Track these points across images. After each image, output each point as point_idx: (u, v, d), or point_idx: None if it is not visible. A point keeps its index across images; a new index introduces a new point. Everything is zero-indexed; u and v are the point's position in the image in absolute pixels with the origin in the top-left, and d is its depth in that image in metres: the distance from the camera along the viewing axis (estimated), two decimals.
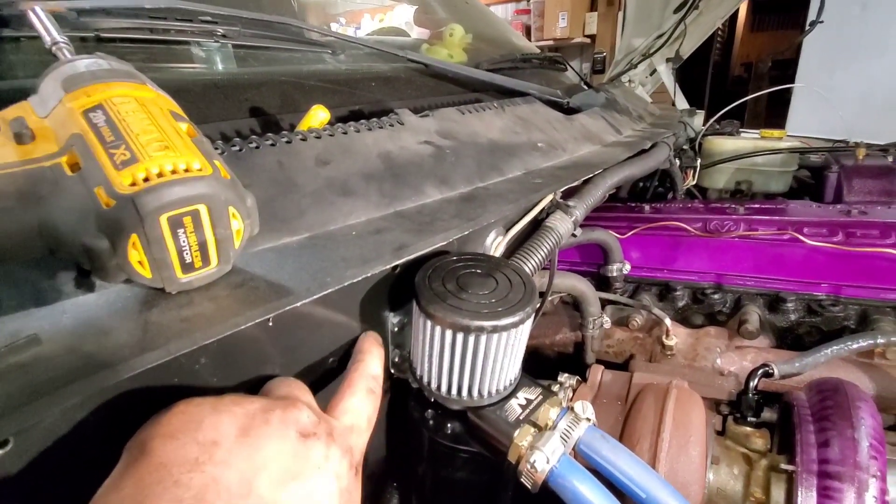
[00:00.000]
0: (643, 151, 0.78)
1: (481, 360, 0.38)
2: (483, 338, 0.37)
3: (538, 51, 1.48)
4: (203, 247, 0.30)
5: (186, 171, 0.28)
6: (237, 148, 0.42)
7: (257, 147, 0.43)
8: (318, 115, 0.51)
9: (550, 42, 3.73)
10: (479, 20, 1.45)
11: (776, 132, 1.28)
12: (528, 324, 0.41)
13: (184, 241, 0.29)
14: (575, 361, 0.85)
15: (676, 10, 1.63)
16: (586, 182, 0.64)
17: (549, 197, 0.59)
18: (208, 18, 0.61)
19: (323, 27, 1.36)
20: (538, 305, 0.67)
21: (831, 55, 2.39)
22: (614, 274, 0.91)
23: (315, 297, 0.32)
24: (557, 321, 0.87)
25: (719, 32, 4.70)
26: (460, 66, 0.79)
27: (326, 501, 0.26)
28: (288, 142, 0.45)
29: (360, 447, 0.32)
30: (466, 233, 0.41)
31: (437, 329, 0.38)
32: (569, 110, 0.90)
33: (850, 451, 0.45)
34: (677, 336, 0.80)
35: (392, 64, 0.78)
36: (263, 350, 0.33)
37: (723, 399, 0.67)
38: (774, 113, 2.65)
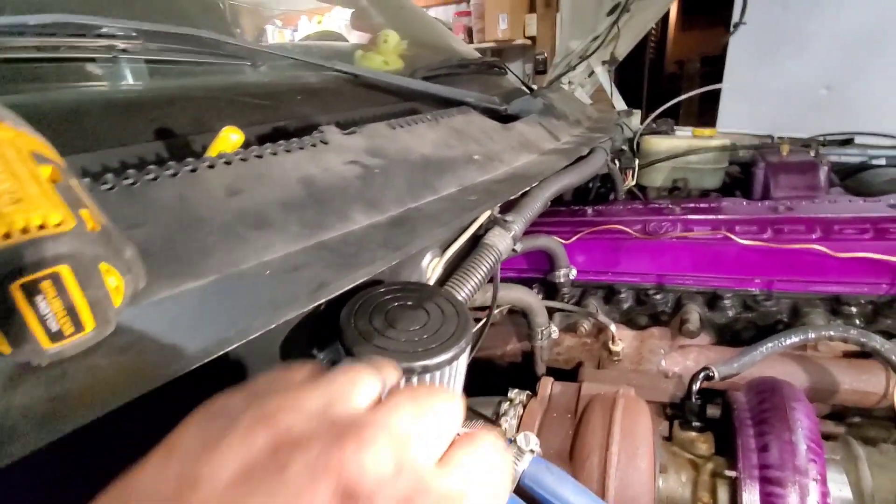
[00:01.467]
0: (581, 158, 0.78)
1: None
2: (414, 379, 0.34)
3: (478, 55, 1.47)
4: (72, 311, 0.25)
5: (42, 227, 0.24)
6: (131, 181, 0.37)
7: (155, 179, 0.39)
8: (229, 138, 0.47)
9: (492, 44, 3.76)
10: (416, 25, 1.42)
11: (707, 131, 1.33)
12: (464, 358, 0.38)
13: (45, 309, 0.24)
14: (526, 371, 0.85)
15: (609, 13, 1.67)
16: (524, 195, 0.63)
17: (487, 213, 0.57)
18: (105, 32, 0.55)
19: (241, 37, 1.30)
20: (484, 322, 0.65)
21: (755, 53, 2.52)
22: (561, 280, 0.91)
23: (213, 356, 0.28)
24: (506, 332, 0.86)
25: (653, 32, 4.90)
26: (393, 76, 0.76)
27: None
28: (192, 170, 0.41)
29: None
30: (393, 263, 0.38)
31: None
32: (507, 117, 0.89)
33: (788, 456, 0.45)
34: (623, 339, 0.81)
35: (321, 74, 0.74)
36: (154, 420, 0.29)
37: (668, 402, 0.68)
38: (707, 109, 2.78)
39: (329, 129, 0.54)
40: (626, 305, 0.89)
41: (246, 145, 0.48)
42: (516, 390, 0.67)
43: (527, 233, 0.93)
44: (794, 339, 0.63)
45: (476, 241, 0.58)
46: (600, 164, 0.80)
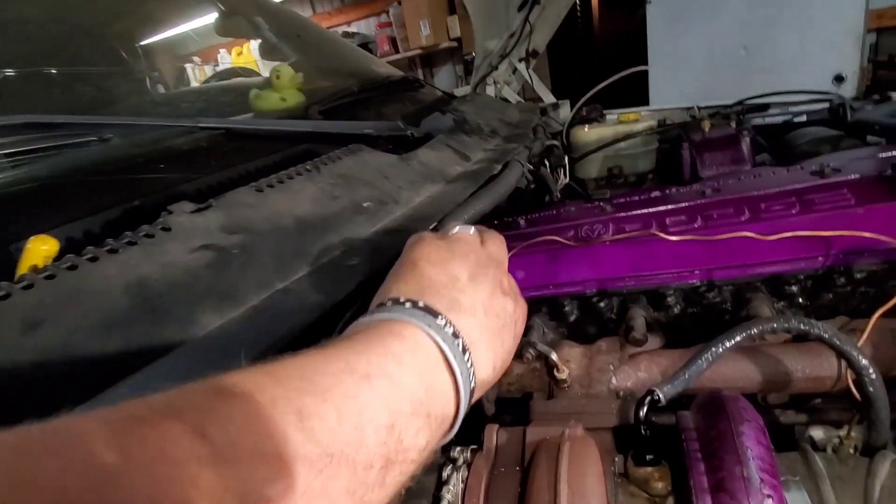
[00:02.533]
0: (493, 177, 0.72)
1: None
2: None
3: (394, 72, 1.41)
4: None
5: None
6: None
7: None
8: (39, 250, 0.39)
9: (419, 51, 3.72)
10: (319, 50, 1.35)
11: (631, 115, 1.31)
12: None
13: None
14: (477, 408, 0.78)
15: (520, 9, 1.64)
16: None
17: None
18: None
19: (154, 85, 1.19)
20: None
21: (674, 24, 2.56)
22: None
23: None
24: None
25: (578, 15, 4.96)
26: (271, 122, 0.69)
27: (510, 339, 0.43)
28: None
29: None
30: None
31: None
32: (415, 142, 0.83)
33: (742, 496, 0.41)
34: (571, 358, 0.76)
35: (190, 134, 0.66)
36: None
37: (620, 424, 0.63)
38: (640, 86, 2.81)
39: (178, 209, 0.46)
40: (571, 318, 0.85)
41: (79, 248, 0.40)
42: (458, 448, 0.61)
43: None
44: (737, 338, 0.59)
45: None
46: (515, 179, 0.75)
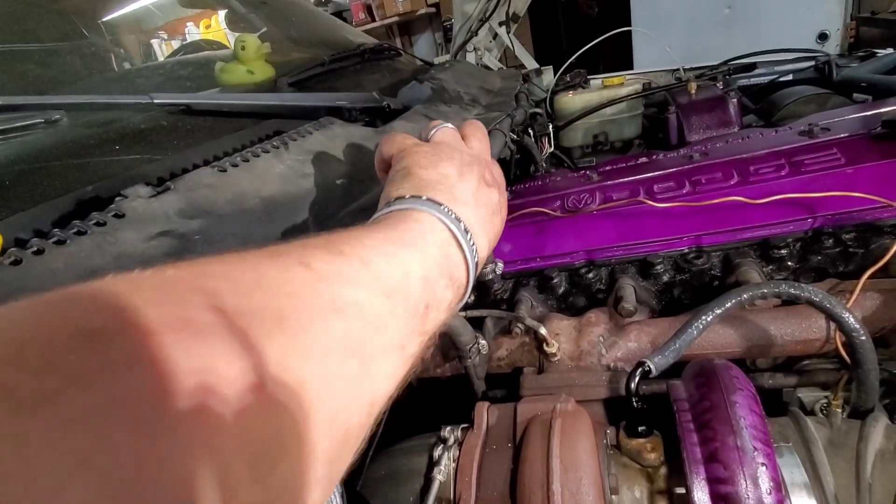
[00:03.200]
0: None
1: None
2: None
3: (369, 40, 1.35)
4: None
5: None
6: None
7: None
8: None
9: (395, 18, 3.58)
10: (288, 19, 1.28)
11: (616, 79, 1.27)
12: None
13: None
14: (467, 387, 0.77)
15: None
16: None
17: None
18: None
19: (123, 60, 1.12)
20: None
21: None
22: (490, 276, 0.83)
23: None
24: (441, 352, 0.78)
25: None
26: (235, 96, 0.65)
27: (499, 223, 0.48)
28: None
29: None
30: None
31: None
32: (391, 113, 0.79)
33: (736, 466, 0.40)
34: (560, 331, 0.74)
35: (148, 112, 0.62)
36: None
37: (612, 396, 0.62)
38: (624, 51, 2.74)
39: (133, 193, 0.43)
40: (560, 290, 0.83)
41: (27, 240, 0.37)
42: (449, 428, 0.60)
43: None
44: (727, 306, 0.58)
45: None
46: (497, 150, 0.72)
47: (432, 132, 0.48)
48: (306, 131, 0.58)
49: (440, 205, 0.39)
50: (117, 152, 0.56)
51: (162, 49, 1.82)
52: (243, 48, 0.94)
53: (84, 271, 0.35)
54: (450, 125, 0.49)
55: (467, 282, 0.41)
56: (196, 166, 0.50)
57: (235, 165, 0.48)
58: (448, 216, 0.38)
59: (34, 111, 0.55)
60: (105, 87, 0.80)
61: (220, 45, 1.53)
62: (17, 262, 0.34)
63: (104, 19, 1.17)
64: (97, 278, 0.35)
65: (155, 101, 0.57)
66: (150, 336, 0.17)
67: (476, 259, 0.41)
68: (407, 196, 0.39)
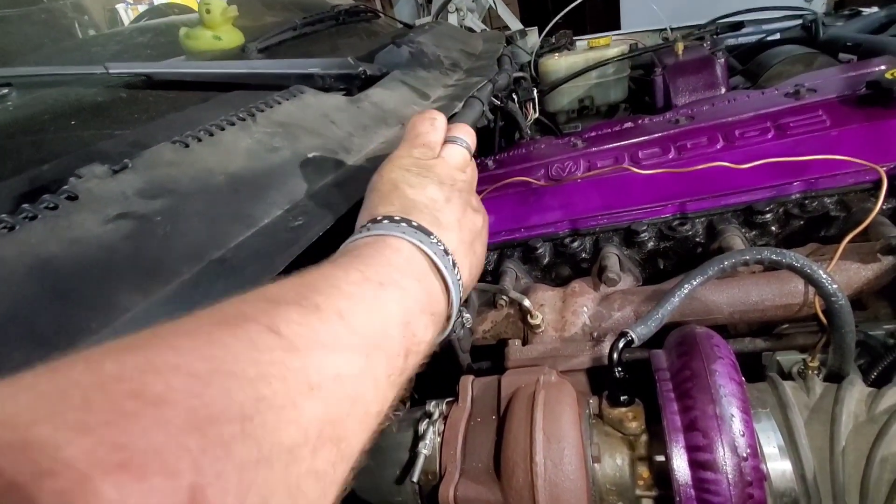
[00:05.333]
0: (453, 116, 0.66)
1: None
2: None
3: (346, 1, 1.28)
4: None
5: None
6: None
7: None
8: None
9: None
10: None
11: (602, 40, 1.23)
12: None
13: None
14: (453, 360, 0.77)
15: None
16: None
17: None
18: None
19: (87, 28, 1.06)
20: None
21: None
22: None
23: None
24: None
25: None
26: (197, 64, 0.61)
27: (481, 248, 0.48)
28: None
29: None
30: None
31: None
32: (368, 80, 0.76)
33: (715, 433, 0.40)
34: (545, 302, 0.74)
35: (106, 83, 0.58)
36: None
37: (595, 366, 0.63)
38: (611, 11, 2.66)
39: (88, 172, 0.40)
40: (545, 261, 0.83)
41: None
42: (434, 402, 0.60)
43: None
44: (710, 273, 0.58)
45: None
46: (475, 117, 0.69)
47: (447, 148, 0.47)
48: (274, 101, 0.55)
49: (430, 234, 0.38)
50: (73, 128, 0.53)
51: (128, 14, 1.72)
52: (208, 11, 0.88)
53: (36, 260, 0.33)
54: (466, 143, 0.49)
55: (449, 314, 0.40)
56: (158, 142, 0.47)
57: (199, 140, 0.46)
58: (435, 247, 0.37)
59: None
60: (59, 58, 0.75)
61: (189, 10, 1.44)
62: None
63: None
64: (51, 267, 0.33)
65: (110, 70, 0.53)
66: (78, 484, 0.14)
67: (460, 290, 0.40)
68: (395, 218, 0.38)
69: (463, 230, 0.42)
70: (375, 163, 0.53)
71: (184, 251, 0.37)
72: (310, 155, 0.49)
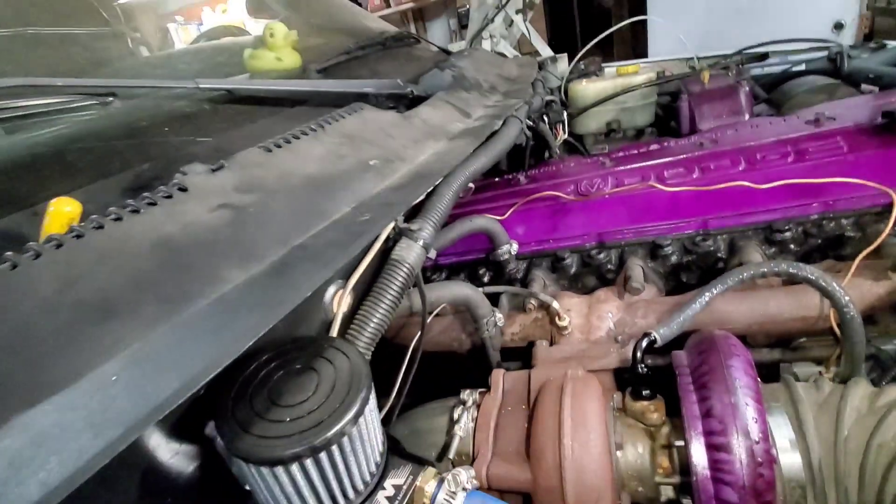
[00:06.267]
0: (494, 133, 0.73)
1: (319, 480, 0.32)
2: (308, 462, 0.31)
3: (388, 27, 1.38)
4: None
5: None
6: None
7: None
8: (62, 211, 0.41)
9: (410, 4, 3.58)
10: (311, 7, 1.31)
11: (630, 67, 1.29)
12: (370, 410, 0.35)
13: None
14: (483, 358, 0.83)
15: None
16: (431, 194, 0.58)
17: (391, 225, 0.52)
18: None
19: (134, 49, 1.17)
20: (427, 315, 0.61)
21: None
22: (505, 257, 0.88)
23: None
24: (458, 324, 0.83)
25: None
26: (270, 82, 0.69)
27: None
28: (12, 267, 0.35)
29: None
30: (264, 331, 0.34)
31: (252, 467, 0.31)
32: (415, 100, 0.83)
33: (730, 419, 0.45)
34: (572, 307, 0.79)
35: (191, 96, 0.66)
36: None
37: (620, 367, 0.67)
38: (638, 37, 2.73)
39: (192, 170, 0.47)
40: (572, 271, 0.88)
41: (99, 209, 0.42)
42: (468, 391, 0.65)
43: (461, 214, 0.89)
44: (730, 282, 0.63)
45: (386, 256, 0.53)
46: (514, 136, 0.76)
47: None
48: (340, 115, 0.62)
49: None
50: (166, 134, 0.61)
51: (179, 34, 1.86)
52: (272, 35, 0.98)
53: (158, 237, 0.40)
54: None
55: None
56: (239, 147, 0.55)
57: (279, 146, 0.53)
58: None
59: (88, 94, 0.60)
60: (144, 72, 0.84)
61: (242, 31, 1.56)
62: (99, 227, 0.39)
63: (120, 1, 1.20)
64: (170, 244, 0.40)
65: (200, 85, 0.62)
66: None
67: None
68: None
69: None
70: (428, 169, 0.59)
71: (272, 237, 0.43)
72: (371, 162, 0.56)
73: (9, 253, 0.36)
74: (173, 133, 0.62)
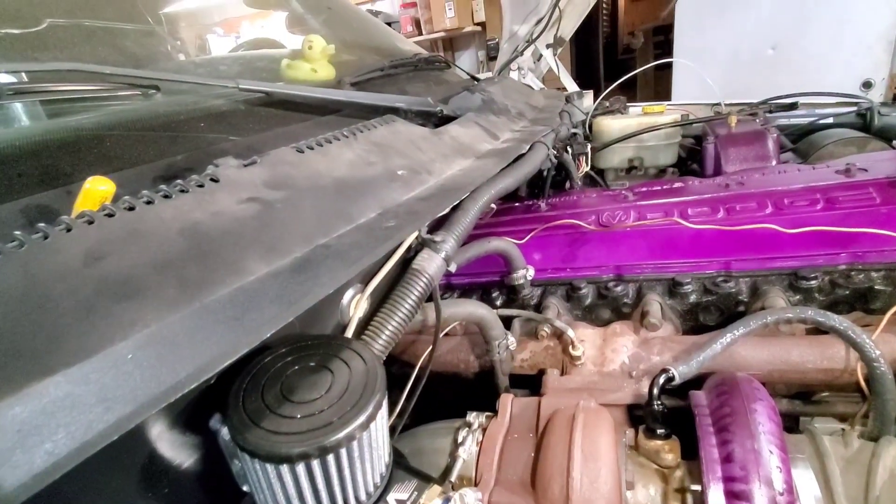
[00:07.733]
0: (520, 157, 0.73)
1: (322, 484, 0.31)
2: (315, 463, 0.30)
3: (420, 51, 1.41)
4: None
5: None
6: None
7: None
8: (97, 190, 0.41)
9: (442, 33, 3.69)
10: (349, 25, 1.35)
11: (656, 107, 1.30)
12: (381, 416, 0.34)
13: None
14: (491, 381, 0.81)
15: None
16: (456, 208, 0.58)
17: (414, 234, 0.52)
18: None
19: (176, 53, 1.21)
20: (438, 333, 0.60)
21: (703, 17, 2.52)
22: (520, 282, 0.87)
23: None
24: (467, 345, 0.82)
25: (604, 4, 4.87)
26: (308, 88, 0.70)
27: None
28: (44, 237, 0.35)
29: None
30: (283, 324, 0.33)
31: (257, 463, 0.30)
32: (443, 119, 0.84)
33: (753, 466, 0.42)
34: (586, 339, 0.77)
35: (229, 96, 0.68)
36: None
37: (633, 403, 0.65)
38: (663, 80, 2.77)
39: (224, 163, 0.48)
40: (587, 301, 0.86)
41: (131, 193, 0.42)
42: (474, 413, 0.63)
43: (480, 235, 0.89)
44: (753, 325, 0.61)
45: (406, 265, 0.53)
46: (540, 160, 0.76)
47: None
48: (371, 125, 0.63)
49: None
50: (201, 129, 0.62)
51: (217, 43, 1.93)
52: (310, 48, 1.01)
53: (187, 223, 0.40)
54: None
55: None
56: (268, 149, 0.55)
57: (311, 148, 0.54)
58: None
59: (134, 84, 0.61)
60: (189, 70, 0.87)
61: (277, 44, 1.62)
62: (131, 208, 0.40)
63: (166, 10, 1.25)
64: (198, 230, 0.41)
65: (240, 86, 0.63)
66: None
67: None
68: None
69: None
70: (454, 184, 0.59)
71: (297, 234, 0.43)
72: (399, 172, 0.57)
73: (41, 224, 0.36)
74: (209, 129, 0.63)
